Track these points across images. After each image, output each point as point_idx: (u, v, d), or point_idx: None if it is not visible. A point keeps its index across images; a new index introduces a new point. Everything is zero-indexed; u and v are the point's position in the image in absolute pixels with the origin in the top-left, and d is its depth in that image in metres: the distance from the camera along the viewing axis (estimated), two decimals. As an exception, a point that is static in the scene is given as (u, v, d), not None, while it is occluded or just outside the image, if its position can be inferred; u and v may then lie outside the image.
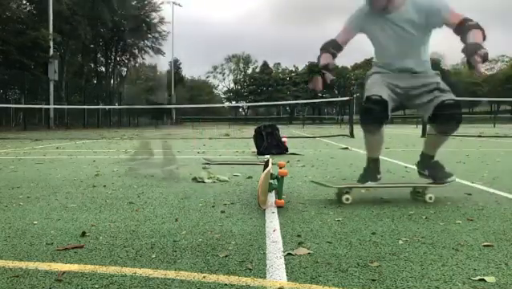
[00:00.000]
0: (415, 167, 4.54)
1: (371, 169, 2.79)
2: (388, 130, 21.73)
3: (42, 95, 27.08)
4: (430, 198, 2.56)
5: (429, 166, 2.82)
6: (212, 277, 1.38)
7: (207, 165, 4.73)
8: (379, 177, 2.81)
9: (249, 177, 3.69)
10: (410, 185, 2.92)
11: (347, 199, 2.54)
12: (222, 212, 2.34)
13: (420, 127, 14.19)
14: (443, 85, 2.66)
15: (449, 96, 2.61)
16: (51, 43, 26.20)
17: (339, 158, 5.58)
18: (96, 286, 1.31)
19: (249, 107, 75.80)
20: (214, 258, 1.56)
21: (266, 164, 2.87)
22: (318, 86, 2.67)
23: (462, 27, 2.44)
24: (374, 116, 2.61)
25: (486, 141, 9.78)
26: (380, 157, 2.83)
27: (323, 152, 6.60)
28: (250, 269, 1.45)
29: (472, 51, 2.26)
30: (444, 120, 2.60)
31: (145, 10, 45.01)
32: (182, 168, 4.42)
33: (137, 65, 51.45)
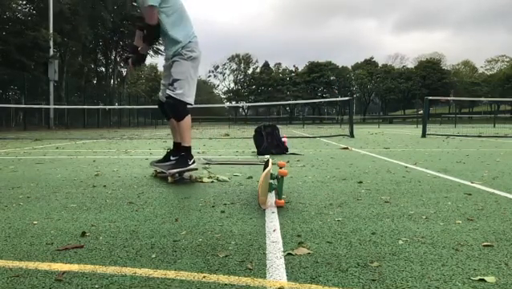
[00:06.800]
0: (415, 166, 4.56)
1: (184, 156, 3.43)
2: (388, 130, 21.74)
3: (42, 95, 27.07)
4: (170, 179, 3.18)
5: (177, 156, 3.44)
6: (212, 277, 1.38)
7: (207, 165, 4.73)
8: (189, 162, 3.39)
9: (250, 177, 3.69)
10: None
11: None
12: (222, 212, 2.34)
13: (420, 127, 14.19)
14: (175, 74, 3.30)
15: (169, 91, 3.31)
16: (51, 43, 26.20)
17: (339, 158, 5.58)
18: (96, 286, 1.31)
19: (249, 107, 75.79)
20: (214, 258, 1.56)
21: (266, 164, 2.87)
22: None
23: None
24: (161, 110, 3.68)
25: (486, 141, 9.78)
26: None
27: (323, 152, 6.60)
28: (250, 269, 1.45)
29: None
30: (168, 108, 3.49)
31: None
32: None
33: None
